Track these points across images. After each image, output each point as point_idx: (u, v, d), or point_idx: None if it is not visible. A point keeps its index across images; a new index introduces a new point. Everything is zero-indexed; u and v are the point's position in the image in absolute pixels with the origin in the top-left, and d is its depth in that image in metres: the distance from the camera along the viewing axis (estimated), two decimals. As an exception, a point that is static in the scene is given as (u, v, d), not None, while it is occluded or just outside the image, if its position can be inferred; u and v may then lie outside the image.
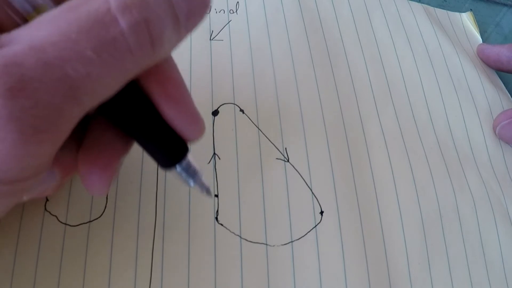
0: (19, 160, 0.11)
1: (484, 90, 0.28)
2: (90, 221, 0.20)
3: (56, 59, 0.10)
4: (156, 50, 0.12)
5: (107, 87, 0.12)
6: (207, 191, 0.17)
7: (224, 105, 0.24)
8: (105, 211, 0.20)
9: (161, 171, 0.21)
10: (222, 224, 0.21)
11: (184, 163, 0.15)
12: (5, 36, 0.11)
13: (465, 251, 0.22)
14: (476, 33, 0.32)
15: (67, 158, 0.15)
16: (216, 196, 0.21)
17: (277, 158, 0.23)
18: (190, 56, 0.25)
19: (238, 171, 0.22)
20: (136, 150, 0.22)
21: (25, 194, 0.13)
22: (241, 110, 0.24)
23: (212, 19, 0.27)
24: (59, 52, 0.11)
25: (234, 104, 0.24)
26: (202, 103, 0.24)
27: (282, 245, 0.20)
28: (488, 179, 0.25)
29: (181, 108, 0.15)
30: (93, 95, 0.12)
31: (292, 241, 0.21)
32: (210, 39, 0.26)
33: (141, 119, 0.14)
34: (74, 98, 0.11)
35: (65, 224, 0.19)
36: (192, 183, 0.16)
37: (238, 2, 0.29)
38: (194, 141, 0.16)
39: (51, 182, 0.15)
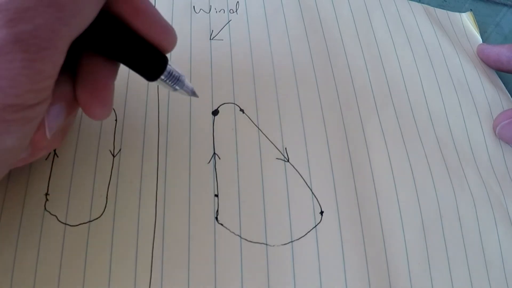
0: (29, 78, 0.13)
1: (484, 90, 0.28)
2: (90, 221, 0.20)
3: None
4: None
5: (88, 8, 0.14)
6: (192, 92, 0.20)
7: (224, 104, 0.24)
8: (105, 211, 0.20)
9: (161, 171, 0.21)
10: (222, 224, 0.21)
11: (166, 72, 0.18)
12: None
13: (465, 251, 0.22)
14: (476, 33, 0.32)
15: (67, 93, 0.17)
16: (216, 196, 0.21)
17: (277, 158, 0.23)
18: (190, 55, 0.25)
19: (238, 171, 0.22)
20: (136, 150, 0.22)
21: (36, 126, 0.15)
22: (241, 110, 0.24)
23: (212, 19, 0.27)
24: None
25: (234, 104, 0.24)
26: (202, 103, 0.24)
27: (282, 245, 0.20)
28: (488, 179, 0.25)
29: (151, 21, 0.17)
30: (78, 16, 0.14)
31: (292, 241, 0.21)
32: (210, 39, 0.26)
33: (119, 41, 0.16)
34: (63, 19, 0.13)
35: (65, 224, 0.19)
36: (177, 87, 0.19)
37: (238, 1, 0.29)
38: (170, 49, 0.18)
39: (60, 117, 0.17)
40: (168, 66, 0.18)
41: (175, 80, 0.18)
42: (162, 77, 0.18)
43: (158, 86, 0.24)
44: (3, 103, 0.13)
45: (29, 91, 0.13)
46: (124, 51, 0.16)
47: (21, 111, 0.14)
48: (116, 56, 0.17)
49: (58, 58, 0.14)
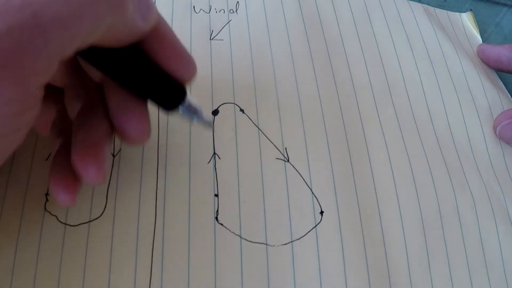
0: None
1: (484, 90, 0.28)
2: (90, 221, 0.20)
3: None
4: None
5: (82, 21, 0.11)
6: (209, 125, 0.19)
7: (224, 104, 0.24)
8: (105, 211, 0.20)
9: (161, 171, 0.21)
10: (222, 224, 0.21)
11: (185, 104, 0.17)
12: None
13: (465, 251, 0.22)
14: (476, 33, 0.32)
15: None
16: (216, 196, 0.21)
17: (277, 158, 0.23)
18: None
19: (238, 171, 0.22)
20: (136, 150, 0.22)
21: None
22: (241, 110, 0.24)
23: (212, 19, 0.27)
24: None
25: (234, 103, 0.24)
26: (202, 103, 0.24)
27: (282, 245, 0.20)
28: (488, 179, 0.25)
29: (173, 52, 0.16)
30: (65, 28, 0.11)
31: (292, 241, 0.21)
32: (210, 39, 0.26)
33: (141, 71, 0.16)
34: (38, 27, 0.10)
35: (65, 224, 0.19)
36: (195, 121, 0.18)
37: (238, 2, 0.29)
38: (190, 81, 0.17)
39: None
40: (186, 98, 0.17)
41: (193, 113, 0.18)
42: (181, 108, 0.17)
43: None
44: None
45: None
46: (144, 82, 0.16)
47: None
48: (135, 87, 0.16)
49: (28, 79, 0.11)
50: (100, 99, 0.17)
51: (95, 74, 0.18)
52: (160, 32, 0.16)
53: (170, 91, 0.17)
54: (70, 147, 0.16)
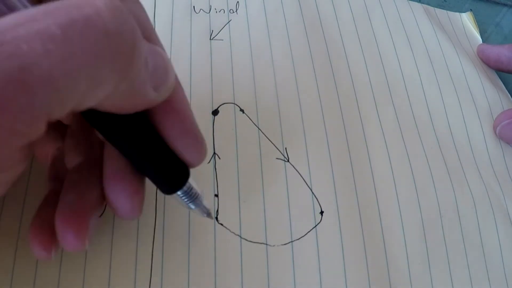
0: None
1: (484, 90, 0.28)
2: (90, 221, 0.20)
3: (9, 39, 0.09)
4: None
5: (76, 83, 0.10)
6: (208, 214, 0.17)
7: (224, 104, 0.24)
8: (105, 211, 0.20)
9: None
10: (222, 224, 0.21)
11: (185, 187, 0.15)
12: None
13: (465, 251, 0.22)
14: (476, 33, 0.32)
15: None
16: (216, 196, 0.21)
17: (277, 158, 0.23)
18: (190, 55, 0.25)
19: (238, 171, 0.22)
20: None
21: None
22: (241, 110, 0.24)
23: (212, 19, 0.27)
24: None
25: (234, 103, 0.24)
26: (202, 103, 0.24)
27: (282, 245, 0.20)
28: (488, 179, 0.25)
29: (185, 129, 0.14)
30: (54, 88, 0.10)
31: (292, 241, 0.21)
32: (210, 39, 0.26)
33: (144, 144, 0.14)
34: (24, 83, 0.09)
35: (65, 224, 0.19)
36: (193, 206, 0.16)
37: (238, 1, 0.29)
38: (197, 166, 0.15)
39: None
40: (188, 182, 0.16)
41: (192, 198, 0.16)
42: (179, 193, 0.15)
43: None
44: None
45: None
46: (145, 157, 0.14)
47: None
48: (134, 160, 0.14)
49: (11, 140, 0.10)
50: (100, 160, 0.15)
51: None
52: (173, 103, 0.14)
53: (172, 173, 0.15)
54: (58, 198, 0.15)
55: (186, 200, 0.16)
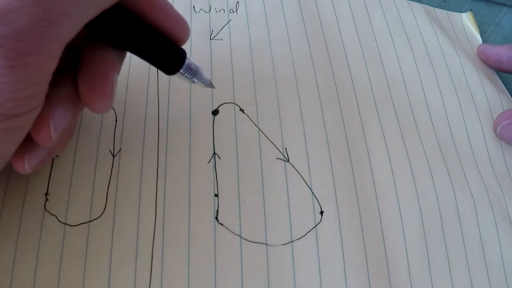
0: (10, 86, 0.12)
1: (484, 90, 0.28)
2: (90, 221, 0.20)
3: None
4: None
5: (83, 7, 0.13)
6: (209, 83, 0.20)
7: (224, 104, 0.24)
8: (105, 211, 0.20)
9: (161, 171, 0.21)
10: (222, 224, 0.21)
11: (185, 65, 0.18)
12: None
13: (465, 251, 0.22)
14: (476, 33, 0.32)
15: (71, 93, 0.16)
16: (216, 196, 0.21)
17: (277, 158, 0.23)
18: (190, 55, 0.25)
19: (238, 171, 0.22)
20: (136, 150, 0.22)
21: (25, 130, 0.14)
22: (241, 110, 0.24)
23: (212, 19, 0.27)
24: None
25: (234, 103, 0.24)
26: (202, 103, 0.24)
27: (282, 245, 0.20)
28: (488, 179, 0.25)
29: (166, 13, 0.17)
30: (69, 17, 0.13)
31: (292, 241, 0.21)
32: (210, 39, 0.26)
33: (141, 37, 0.16)
34: (50, 20, 0.12)
35: (65, 224, 0.19)
36: (196, 80, 0.19)
37: (238, 1, 0.28)
38: (185, 40, 0.18)
39: (65, 118, 0.16)
40: (186, 59, 0.18)
41: (193, 73, 0.19)
42: (181, 70, 0.18)
43: (158, 87, 0.24)
44: None
45: (12, 99, 0.12)
46: (146, 47, 0.17)
47: (3, 121, 0.13)
48: (138, 52, 0.17)
49: (47, 63, 0.13)
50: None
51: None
52: None
53: (172, 54, 0.17)
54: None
55: (188, 75, 0.19)
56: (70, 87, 0.16)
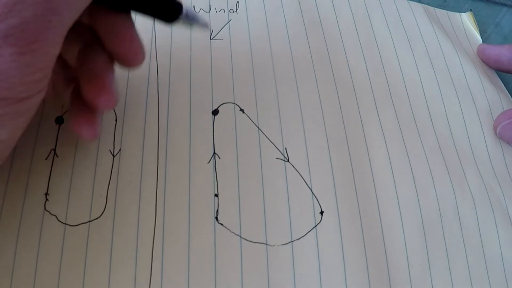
0: (19, 71, 0.13)
1: (484, 90, 0.28)
2: (90, 221, 0.20)
3: None
4: None
5: None
6: (206, 26, 0.21)
7: (224, 104, 0.24)
8: (105, 211, 0.20)
9: (161, 171, 0.21)
10: (222, 224, 0.21)
11: (184, 13, 0.19)
12: None
13: (465, 251, 0.22)
14: (476, 33, 0.32)
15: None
16: (216, 196, 0.21)
17: (277, 158, 0.23)
18: (190, 55, 0.25)
19: (238, 171, 0.22)
20: (136, 150, 0.22)
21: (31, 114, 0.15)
22: (241, 110, 0.24)
23: (212, 19, 0.27)
24: None
25: (234, 103, 0.24)
26: (202, 103, 0.24)
27: (282, 245, 0.20)
28: (488, 179, 0.25)
29: None
30: (70, 4, 0.14)
31: (292, 241, 0.21)
32: (210, 39, 0.26)
33: None
34: (52, 9, 0.13)
35: (65, 224, 0.19)
36: (194, 26, 0.20)
37: (238, 1, 0.29)
38: None
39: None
40: (184, 8, 0.19)
41: (191, 20, 0.20)
42: (181, 19, 0.19)
43: (158, 83, 0.24)
44: None
45: (20, 84, 0.14)
46: (147, 1, 0.18)
47: (13, 104, 0.14)
48: (140, 8, 0.18)
49: (50, 49, 0.14)
50: (94, 38, 0.19)
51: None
52: None
53: (170, 3, 0.19)
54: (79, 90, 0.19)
55: (187, 22, 0.20)
56: (103, 54, 0.18)
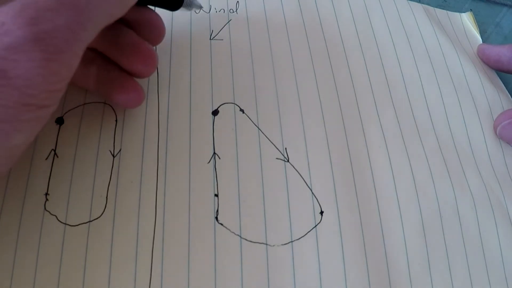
0: (45, 79, 0.13)
1: (484, 90, 0.28)
2: (90, 221, 0.20)
3: None
4: None
5: (104, 15, 0.15)
6: (199, 6, 0.24)
7: (224, 104, 0.24)
8: (105, 211, 0.20)
9: (161, 171, 0.21)
10: (222, 224, 0.21)
11: (187, 1, 0.23)
12: None
13: (465, 251, 0.22)
14: (476, 33, 0.32)
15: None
16: (216, 196, 0.21)
17: (277, 158, 0.23)
18: (190, 55, 0.25)
19: (238, 171, 0.22)
20: (136, 150, 0.22)
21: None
22: (241, 110, 0.24)
23: (212, 19, 0.27)
24: None
25: (234, 103, 0.24)
26: (202, 103, 0.24)
27: (282, 245, 0.20)
28: (488, 179, 0.25)
29: None
30: (94, 22, 0.15)
31: (292, 241, 0.21)
32: (210, 39, 0.26)
33: None
34: (81, 23, 0.14)
35: (65, 224, 0.19)
36: (193, 10, 0.24)
37: (238, 1, 0.29)
38: None
39: None
40: None
41: (190, 6, 0.23)
42: (184, 4, 0.22)
43: (158, 83, 0.24)
44: (18, 102, 0.13)
45: (44, 91, 0.14)
46: None
47: (34, 111, 0.14)
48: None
49: (73, 61, 0.14)
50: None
51: None
52: None
53: None
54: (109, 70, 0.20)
55: (189, 8, 0.23)
56: (128, 31, 0.20)
